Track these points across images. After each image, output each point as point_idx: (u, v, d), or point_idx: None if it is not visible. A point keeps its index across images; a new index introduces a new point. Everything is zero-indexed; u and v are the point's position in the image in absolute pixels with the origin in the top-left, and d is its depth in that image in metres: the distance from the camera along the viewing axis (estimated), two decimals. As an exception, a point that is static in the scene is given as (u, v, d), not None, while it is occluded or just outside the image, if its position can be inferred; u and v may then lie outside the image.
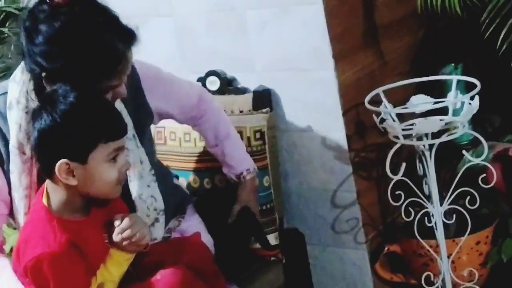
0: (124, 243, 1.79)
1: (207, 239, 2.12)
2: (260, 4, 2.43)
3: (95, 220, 1.82)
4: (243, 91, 2.53)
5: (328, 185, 2.51)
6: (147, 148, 2.07)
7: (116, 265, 1.81)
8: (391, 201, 2.28)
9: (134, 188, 2.00)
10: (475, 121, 2.70)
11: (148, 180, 2.03)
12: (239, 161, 2.26)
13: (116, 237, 1.79)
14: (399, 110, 2.24)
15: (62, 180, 1.74)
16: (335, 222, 2.54)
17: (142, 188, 2.01)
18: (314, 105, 2.45)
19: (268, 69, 2.49)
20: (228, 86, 2.55)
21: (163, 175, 2.14)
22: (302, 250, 2.55)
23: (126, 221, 1.79)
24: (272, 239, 2.39)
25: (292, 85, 2.47)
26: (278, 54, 2.45)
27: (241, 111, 2.48)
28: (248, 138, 2.40)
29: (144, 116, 2.09)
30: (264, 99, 2.48)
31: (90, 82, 1.78)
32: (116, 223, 1.80)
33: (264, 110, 2.45)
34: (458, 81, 2.40)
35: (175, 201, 2.14)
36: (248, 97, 2.49)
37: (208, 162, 2.38)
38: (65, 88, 1.75)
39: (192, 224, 2.18)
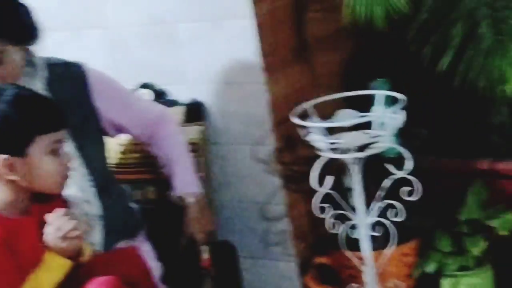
0: (55, 239, 1.75)
1: (155, 266, 2.13)
2: (191, 18, 2.45)
3: (34, 220, 1.81)
4: (175, 103, 2.54)
5: (259, 197, 2.54)
6: (88, 152, 2.06)
7: (47, 271, 1.77)
8: (316, 213, 2.31)
9: (69, 191, 1.99)
10: (404, 135, 2.76)
11: (82, 185, 2.02)
12: (183, 184, 2.26)
13: (45, 235, 1.76)
14: (324, 124, 2.27)
15: (3, 175, 1.74)
16: (266, 235, 2.56)
17: (76, 192, 2.01)
18: (245, 117, 2.48)
19: (199, 81, 2.50)
20: (159, 98, 2.56)
21: (118, 193, 2.16)
22: (233, 262, 2.57)
23: (53, 215, 1.77)
24: (204, 251, 2.41)
25: (223, 98, 2.49)
26: (210, 67, 2.47)
27: (172, 124, 2.49)
28: (181, 150, 2.41)
29: (85, 118, 2.08)
30: (196, 111, 2.50)
31: None
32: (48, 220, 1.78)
33: (198, 123, 2.47)
34: (387, 96, 2.45)
35: (127, 223, 2.15)
36: (180, 109, 2.50)
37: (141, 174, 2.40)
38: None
39: (142, 250, 2.15)
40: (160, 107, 2.36)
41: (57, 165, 1.79)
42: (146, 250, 2.17)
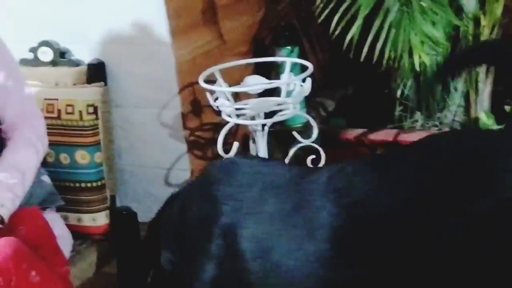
0: None
1: (65, 235, 2.07)
2: (96, -26, 2.36)
3: None
4: (77, 63, 2.44)
5: (162, 163, 2.48)
6: None
7: None
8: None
9: None
10: (310, 105, 2.78)
11: None
12: None
13: None
14: (232, 89, 2.24)
15: None
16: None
17: None
18: (150, 81, 2.41)
19: (102, 41, 2.41)
20: (61, 57, 2.45)
21: None
22: (134, 228, 2.51)
23: None
24: (103, 217, 2.35)
25: (127, 59, 2.41)
26: (114, 27, 2.38)
27: (74, 84, 2.40)
28: (80, 112, 2.32)
29: None
30: (98, 72, 2.40)
31: None
32: None
33: (98, 84, 2.38)
34: (294, 64, 2.44)
35: (35, 194, 2.05)
36: (82, 69, 2.41)
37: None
38: None
39: (49, 218, 2.06)
40: (32, 107, 2.17)
41: None
42: (53, 219, 2.09)
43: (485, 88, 2.68)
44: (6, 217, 1.89)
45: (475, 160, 1.55)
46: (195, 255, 1.80)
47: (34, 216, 1.94)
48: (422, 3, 2.31)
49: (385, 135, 2.58)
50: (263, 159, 1.92)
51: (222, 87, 2.24)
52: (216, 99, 2.28)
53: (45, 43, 2.45)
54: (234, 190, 1.74)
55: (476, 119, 2.67)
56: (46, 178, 2.16)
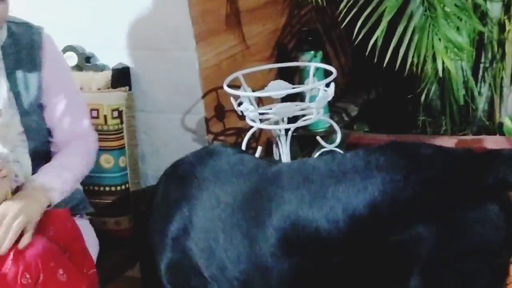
0: None
1: (92, 242, 2.08)
2: (121, -19, 2.38)
3: None
4: (102, 68, 2.46)
5: (186, 167, 2.50)
6: (27, 114, 1.99)
7: None
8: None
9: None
10: (333, 110, 2.78)
11: (13, 144, 1.96)
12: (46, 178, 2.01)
13: None
14: (256, 94, 2.25)
15: None
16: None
17: (6, 150, 1.94)
18: (174, 86, 2.42)
19: (128, 47, 2.43)
20: (86, 62, 2.48)
21: None
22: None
23: None
24: (126, 220, 2.36)
25: (152, 65, 2.42)
26: (138, 32, 2.40)
27: (98, 89, 2.42)
28: (105, 116, 2.34)
29: (29, 81, 2.01)
30: (123, 77, 2.42)
31: None
32: None
33: (122, 89, 2.40)
34: (317, 69, 2.44)
35: (64, 199, 2.04)
36: (107, 74, 2.42)
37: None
38: None
39: (79, 223, 2.06)
40: (87, 127, 2.16)
41: None
42: (83, 225, 2.10)
43: (510, 93, 2.66)
44: (54, 202, 1.92)
45: None
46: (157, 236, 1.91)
47: (64, 218, 1.94)
48: (446, 8, 2.30)
49: (410, 140, 2.57)
50: (238, 150, 1.97)
51: (246, 92, 2.25)
52: (240, 104, 2.29)
53: (71, 48, 2.47)
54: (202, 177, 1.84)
55: (500, 124, 2.65)
56: (78, 185, 2.18)
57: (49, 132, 2.09)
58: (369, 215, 1.53)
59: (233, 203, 1.75)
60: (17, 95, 1.99)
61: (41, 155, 2.04)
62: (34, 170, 1.99)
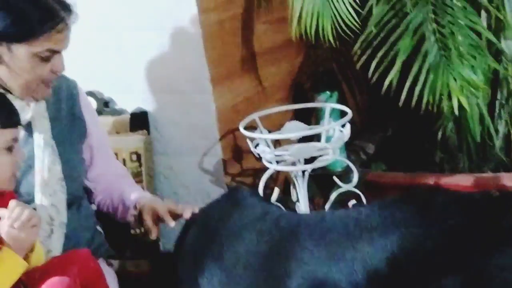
0: (12, 231, 1.73)
1: (112, 283, 2.09)
2: (138, 26, 2.42)
3: None
4: (120, 112, 2.50)
5: (204, 209, 2.51)
6: (68, 160, 2.04)
7: (2, 270, 1.73)
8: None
9: (37, 194, 1.97)
10: (350, 149, 2.78)
11: (53, 189, 1.99)
12: (134, 195, 2.15)
13: (1, 228, 1.73)
14: (272, 136, 2.26)
15: None
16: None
17: (45, 194, 1.98)
18: (192, 128, 2.45)
19: (145, 91, 2.47)
20: (105, 107, 2.52)
21: (86, 210, 2.12)
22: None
23: (9, 207, 1.74)
24: (146, 263, 2.37)
25: (169, 108, 2.46)
26: (155, 77, 2.44)
27: (117, 132, 2.45)
28: (124, 160, 2.37)
29: (72, 128, 2.07)
30: (141, 120, 2.46)
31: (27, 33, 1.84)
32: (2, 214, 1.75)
33: (141, 132, 2.43)
34: (333, 109, 2.46)
35: (89, 241, 2.10)
36: (125, 118, 2.47)
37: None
38: None
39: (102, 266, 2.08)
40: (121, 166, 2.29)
41: (10, 162, 1.81)
42: (105, 270, 2.12)
43: (527, 130, 2.65)
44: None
45: None
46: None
47: (86, 257, 1.95)
48: (460, 47, 2.32)
49: (426, 179, 2.56)
50: (262, 200, 1.99)
51: (262, 135, 2.26)
52: (257, 145, 2.31)
53: (90, 94, 2.51)
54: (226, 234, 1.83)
55: (519, 161, 2.64)
56: (99, 228, 2.21)
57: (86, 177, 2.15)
58: (390, 272, 1.52)
59: (254, 263, 1.75)
60: (59, 144, 2.03)
61: (77, 201, 2.08)
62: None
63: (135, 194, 2.11)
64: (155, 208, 2.03)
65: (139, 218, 2.08)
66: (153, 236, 2.04)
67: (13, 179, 1.84)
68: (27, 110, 1.96)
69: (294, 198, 2.38)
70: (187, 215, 1.98)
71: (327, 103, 2.48)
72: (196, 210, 2.00)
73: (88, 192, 2.18)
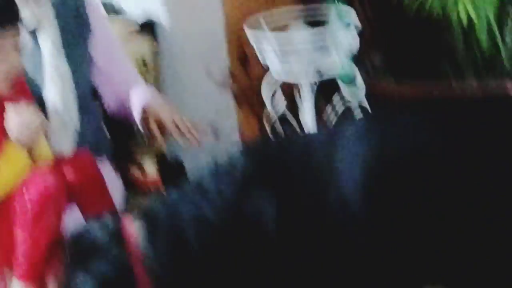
0: (17, 128, 1.81)
1: (116, 187, 2.14)
2: None
3: None
4: (128, 17, 2.48)
5: (211, 115, 2.52)
6: (76, 63, 2.06)
7: (7, 162, 1.81)
8: (270, 134, 2.32)
9: (48, 94, 2.01)
10: (358, 63, 2.76)
11: (65, 91, 2.03)
12: (141, 96, 2.16)
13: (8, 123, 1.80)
14: (276, 35, 2.21)
15: None
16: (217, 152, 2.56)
17: (57, 97, 2.02)
18: (199, 34, 2.43)
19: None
20: (112, 12, 2.49)
21: (95, 110, 2.14)
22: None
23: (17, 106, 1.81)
24: (151, 167, 2.40)
25: (177, 13, 2.44)
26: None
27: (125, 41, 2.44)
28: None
29: (78, 28, 2.08)
30: (148, 26, 2.46)
31: None
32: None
33: (150, 38, 2.42)
34: (342, 17, 2.41)
35: (98, 142, 2.13)
36: (132, 23, 2.45)
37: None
38: None
39: (103, 167, 2.13)
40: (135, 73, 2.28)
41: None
42: (107, 170, 2.16)
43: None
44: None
45: None
46: None
47: (84, 157, 2.02)
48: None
49: (432, 90, 2.57)
50: None
51: (266, 32, 2.22)
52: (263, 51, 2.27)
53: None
54: None
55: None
56: (106, 131, 2.24)
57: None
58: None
59: None
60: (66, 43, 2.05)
61: (85, 103, 2.11)
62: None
63: (142, 96, 2.11)
64: (160, 116, 2.05)
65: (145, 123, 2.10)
66: (160, 144, 2.06)
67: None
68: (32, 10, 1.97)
69: (301, 108, 2.39)
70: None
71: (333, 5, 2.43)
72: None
73: (97, 95, 2.19)
